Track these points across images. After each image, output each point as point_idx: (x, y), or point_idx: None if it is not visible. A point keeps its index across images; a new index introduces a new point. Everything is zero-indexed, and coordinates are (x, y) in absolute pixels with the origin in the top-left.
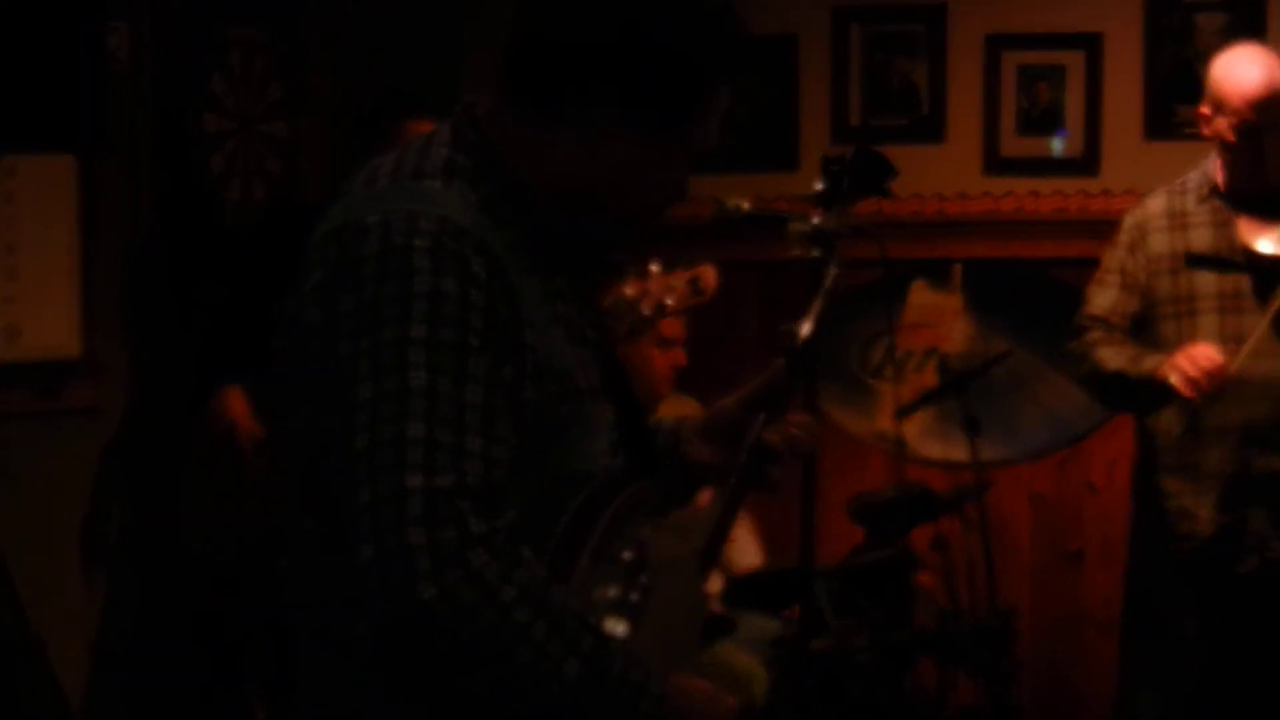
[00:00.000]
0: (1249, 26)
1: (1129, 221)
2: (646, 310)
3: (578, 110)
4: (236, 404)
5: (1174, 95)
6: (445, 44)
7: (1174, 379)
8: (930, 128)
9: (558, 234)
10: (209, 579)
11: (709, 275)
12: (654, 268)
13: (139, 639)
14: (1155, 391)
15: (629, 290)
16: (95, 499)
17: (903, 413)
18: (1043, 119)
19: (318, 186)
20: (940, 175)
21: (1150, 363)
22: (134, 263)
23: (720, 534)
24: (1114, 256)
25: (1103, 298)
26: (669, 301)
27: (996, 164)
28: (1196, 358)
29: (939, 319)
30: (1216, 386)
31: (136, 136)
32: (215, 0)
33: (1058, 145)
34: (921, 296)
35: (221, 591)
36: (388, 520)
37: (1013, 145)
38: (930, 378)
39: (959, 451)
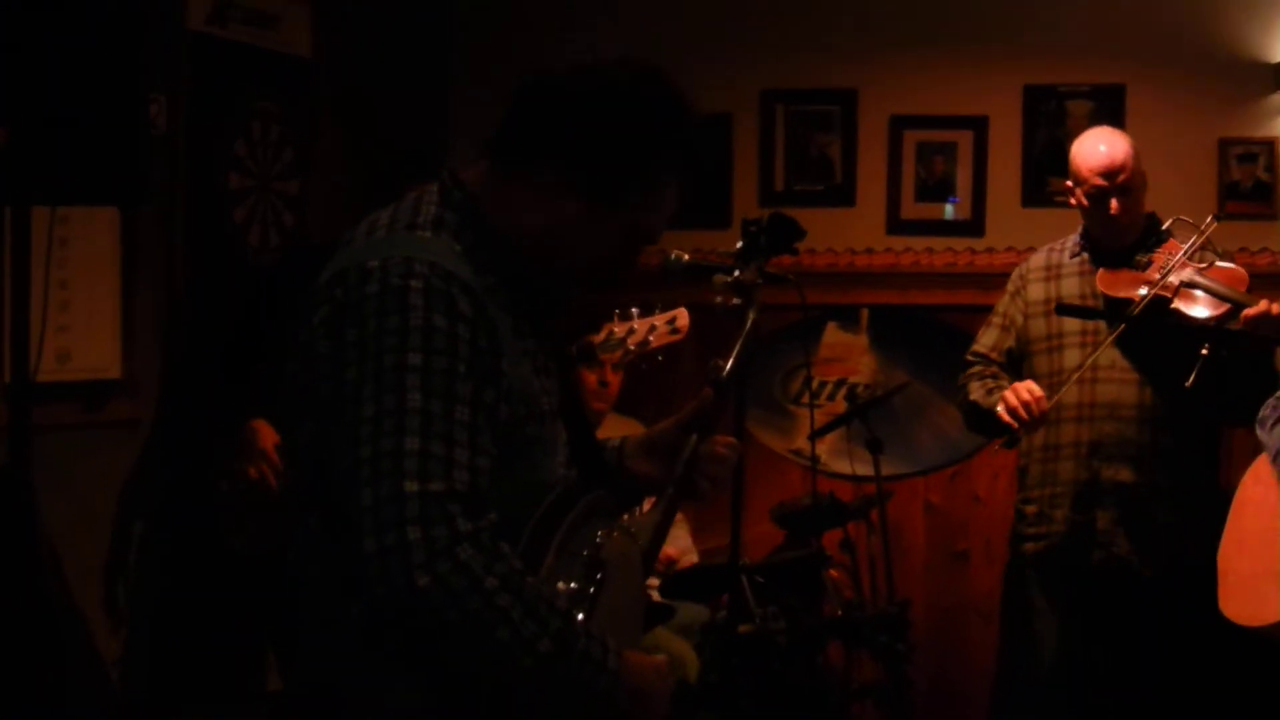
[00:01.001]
0: (1111, 111)
1: (1015, 273)
2: (633, 345)
3: (542, 180)
4: (265, 433)
5: (1048, 169)
6: (432, 117)
7: (1000, 409)
8: (842, 194)
9: (525, 279)
10: (237, 569)
11: (684, 317)
12: (635, 310)
13: (168, 614)
14: (995, 421)
15: (617, 329)
16: (132, 500)
17: (817, 434)
18: (937, 188)
19: (323, 235)
20: (850, 234)
21: (995, 398)
22: (167, 297)
23: (660, 536)
24: (1001, 302)
25: (986, 337)
26: (651, 339)
27: (898, 225)
28: (1019, 392)
29: (848, 355)
30: (1034, 417)
31: (172, 192)
32: (239, 78)
33: (949, 210)
34: (834, 336)
35: (246, 579)
36: (388, 519)
37: (911, 209)
38: (840, 404)
39: (864, 467)
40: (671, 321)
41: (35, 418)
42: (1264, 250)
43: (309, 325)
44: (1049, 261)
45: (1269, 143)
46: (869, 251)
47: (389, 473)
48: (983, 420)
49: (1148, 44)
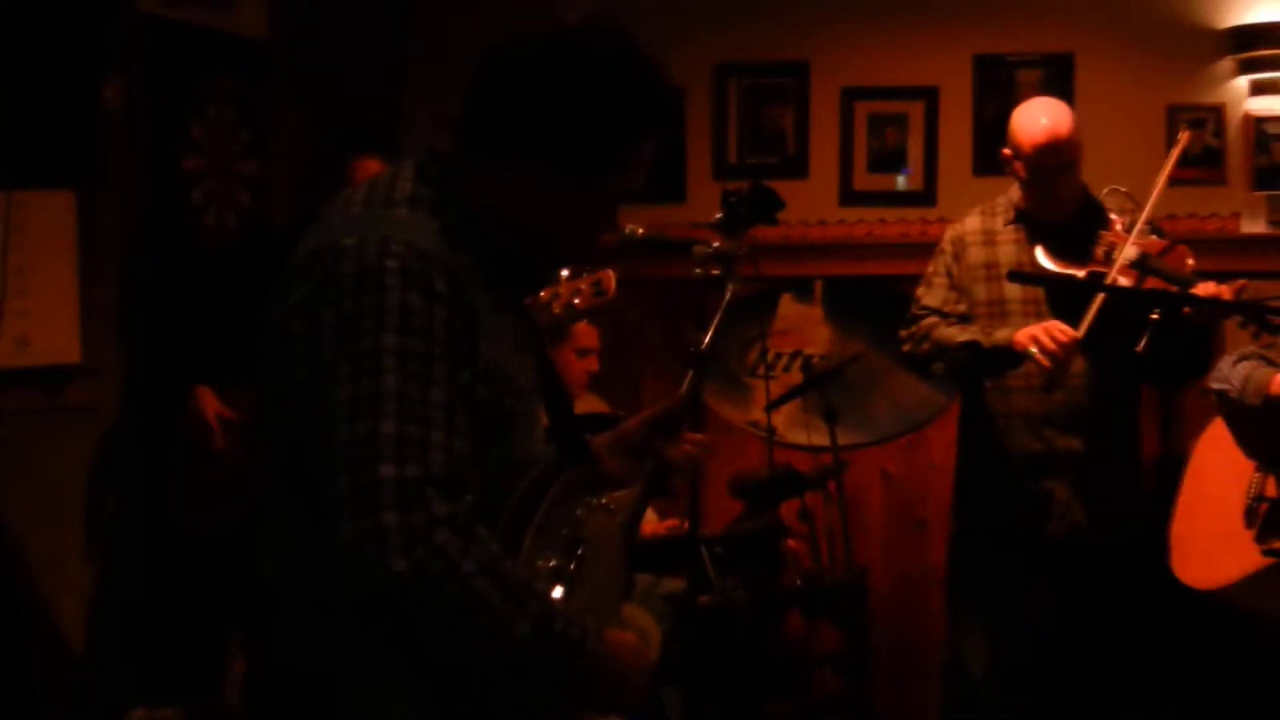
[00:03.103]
0: (1061, 79)
1: (950, 235)
2: (558, 309)
3: (519, 160)
4: (208, 402)
5: (999, 139)
6: (387, 95)
7: (1035, 352)
8: (796, 166)
9: (504, 256)
10: (194, 549)
11: (610, 278)
12: (564, 274)
13: (131, 601)
14: (1007, 359)
15: (542, 293)
16: (92, 483)
17: (773, 405)
18: (889, 159)
19: (281, 216)
20: (804, 206)
21: (1002, 334)
22: (125, 281)
23: (639, 512)
24: (940, 264)
25: (933, 296)
26: (576, 301)
27: (851, 196)
28: (1052, 330)
29: (803, 326)
30: (1068, 354)
31: (128, 174)
32: (194, 59)
33: (901, 181)
34: (789, 307)
35: (205, 560)
36: (365, 504)
37: (864, 181)
38: (796, 375)
39: (821, 437)
40: (597, 283)
41: None
42: (1212, 215)
43: (285, 304)
44: (984, 226)
45: (1217, 108)
46: (822, 223)
47: (365, 458)
48: (982, 360)
49: (1096, 12)
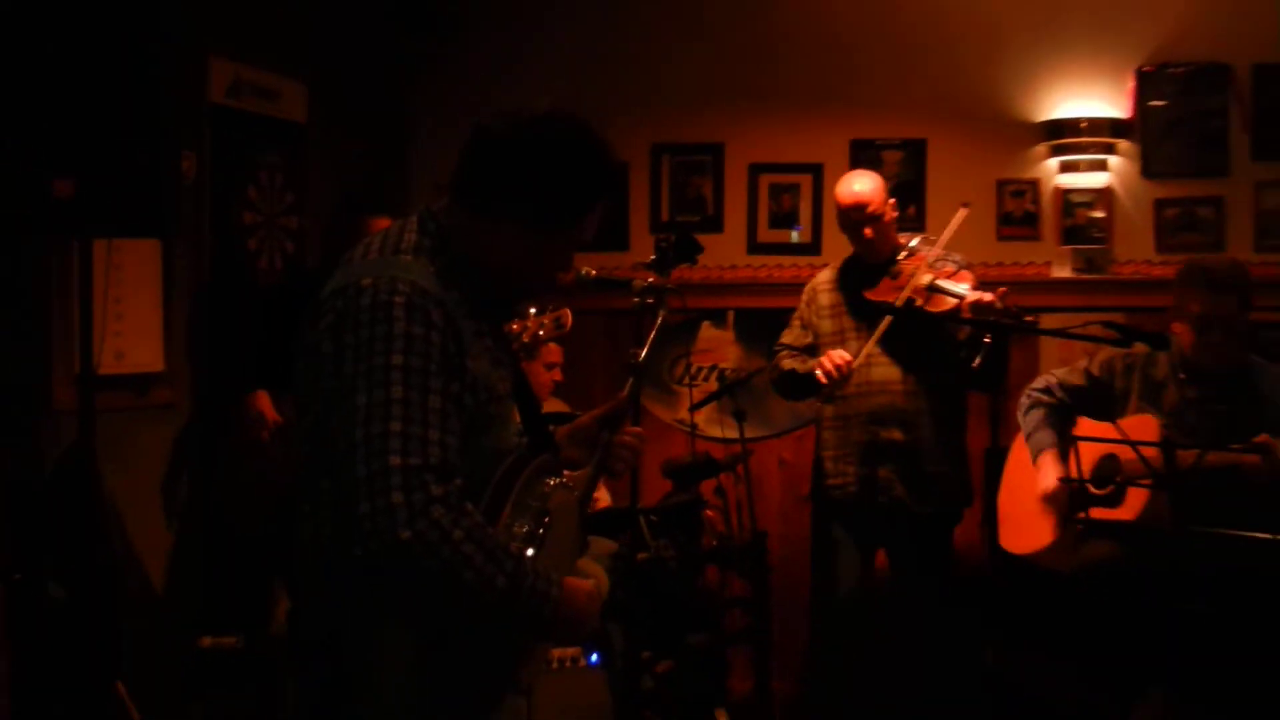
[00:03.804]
0: (916, 159)
1: (808, 286)
2: (526, 339)
3: (499, 214)
4: (263, 401)
5: None
6: (394, 166)
7: (818, 372)
8: (714, 222)
9: (485, 293)
10: (247, 525)
11: (567, 316)
12: (531, 310)
13: (202, 555)
14: (810, 382)
15: (514, 326)
16: (172, 465)
17: (695, 407)
18: (785, 218)
19: (316, 259)
20: (720, 253)
21: (810, 364)
22: (197, 308)
23: (590, 488)
24: (799, 309)
25: (789, 335)
26: (541, 332)
27: (756, 246)
28: (832, 357)
29: (719, 346)
30: (843, 374)
31: (199, 227)
32: (250, 138)
33: (795, 235)
34: (708, 332)
35: (256, 528)
36: (378, 486)
37: (766, 234)
38: (713, 384)
39: (732, 432)
40: (557, 319)
41: (98, 402)
42: (1030, 264)
43: (316, 329)
44: (831, 276)
45: (1034, 182)
46: (734, 267)
47: (378, 451)
48: (799, 382)
49: (944, 107)
